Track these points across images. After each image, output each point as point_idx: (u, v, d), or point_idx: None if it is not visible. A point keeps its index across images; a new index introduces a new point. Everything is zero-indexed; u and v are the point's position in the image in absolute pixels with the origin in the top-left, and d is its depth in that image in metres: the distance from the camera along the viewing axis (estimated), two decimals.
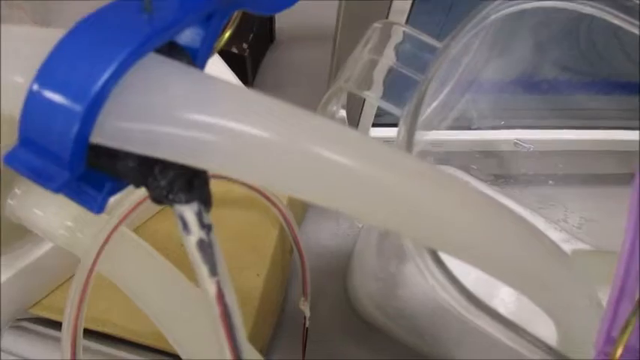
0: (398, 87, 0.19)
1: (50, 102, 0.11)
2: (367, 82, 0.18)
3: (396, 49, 0.19)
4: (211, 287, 0.13)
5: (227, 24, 0.15)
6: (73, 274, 0.30)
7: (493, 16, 0.18)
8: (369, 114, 0.30)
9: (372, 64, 0.18)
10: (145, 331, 0.29)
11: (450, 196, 0.14)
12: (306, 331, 0.36)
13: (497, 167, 0.32)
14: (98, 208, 0.13)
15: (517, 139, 0.29)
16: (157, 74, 0.12)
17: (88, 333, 0.29)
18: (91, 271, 0.21)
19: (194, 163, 0.12)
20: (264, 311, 0.33)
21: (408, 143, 0.16)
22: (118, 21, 0.12)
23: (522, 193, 0.32)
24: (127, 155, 0.12)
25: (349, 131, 0.13)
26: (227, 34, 0.16)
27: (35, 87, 0.12)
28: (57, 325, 0.30)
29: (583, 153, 0.30)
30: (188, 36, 0.14)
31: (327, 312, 0.40)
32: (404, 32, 0.19)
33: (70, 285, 0.21)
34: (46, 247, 0.26)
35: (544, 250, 0.17)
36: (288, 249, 0.37)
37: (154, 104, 0.12)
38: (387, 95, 0.18)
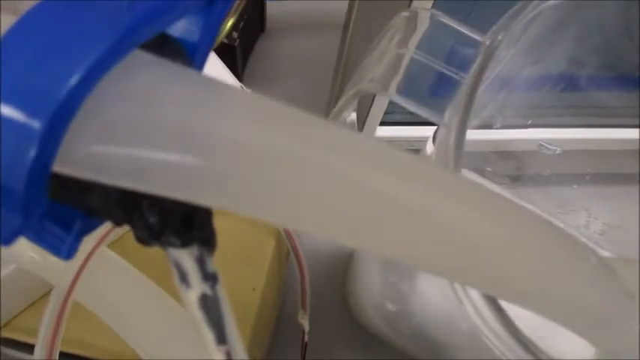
0: (429, 86, 0.16)
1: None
2: (397, 83, 0.15)
3: (429, 42, 0.16)
4: (218, 356, 0.10)
5: (229, 10, 0.12)
6: (47, 292, 0.27)
7: (547, 3, 0.15)
8: (377, 112, 0.27)
9: (401, 60, 0.15)
10: (126, 352, 0.26)
11: (514, 231, 0.11)
12: (305, 345, 0.33)
13: (515, 169, 0.29)
14: (66, 252, 0.10)
15: (541, 141, 0.26)
16: (144, 79, 0.09)
17: (62, 356, 0.26)
18: (65, 301, 0.18)
19: (198, 198, 0.09)
20: (260, 328, 0.30)
21: (456, 157, 0.13)
22: (90, 5, 0.09)
23: (540, 196, 0.29)
24: (105, 186, 0.09)
25: (393, 150, 0.10)
26: (229, 23, 0.13)
27: None
28: (29, 347, 0.27)
29: (609, 153, 0.28)
30: (183, 26, 0.11)
31: (326, 321, 0.37)
32: (438, 22, 0.16)
33: (42, 318, 0.18)
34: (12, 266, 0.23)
35: (599, 277, 0.15)
36: (284, 255, 0.34)
37: (141, 120, 0.09)
38: (417, 95, 0.15)
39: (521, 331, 0.14)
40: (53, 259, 0.20)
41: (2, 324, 0.27)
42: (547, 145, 0.27)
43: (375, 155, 0.10)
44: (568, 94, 0.25)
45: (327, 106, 0.35)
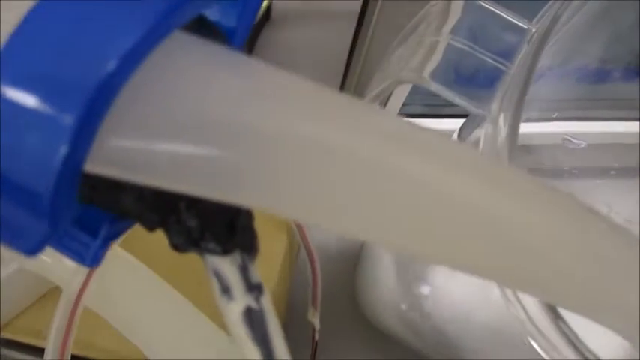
0: (468, 74, 0.15)
1: (20, 108, 0.07)
2: (438, 72, 0.14)
3: (469, 28, 0.15)
4: None
5: None
6: (47, 291, 0.26)
7: None
8: (395, 104, 0.26)
9: (438, 47, 0.14)
10: (135, 354, 0.25)
11: (568, 226, 0.10)
12: (316, 344, 0.32)
13: (535, 164, 0.28)
14: (92, 259, 0.09)
15: (566, 135, 0.26)
16: (187, 64, 0.08)
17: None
18: (76, 304, 0.17)
19: (245, 199, 0.08)
20: None
21: (510, 154, 0.12)
22: None
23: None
24: (138, 186, 0.08)
25: (466, 148, 0.09)
26: (265, 4, 0.12)
27: None
28: (29, 348, 0.26)
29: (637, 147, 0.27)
30: (219, 9, 0.10)
31: (335, 319, 0.36)
32: (479, 7, 0.15)
33: (51, 326, 0.17)
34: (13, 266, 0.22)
35: None
36: (295, 250, 0.33)
37: (186, 111, 0.07)
38: (457, 85, 0.14)
39: (575, 331, 0.13)
40: (62, 260, 0.19)
41: (2, 324, 0.26)
42: (571, 139, 0.26)
43: (440, 151, 0.09)
44: (598, 86, 0.24)
45: None
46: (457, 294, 0.29)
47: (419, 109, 0.27)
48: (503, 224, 0.09)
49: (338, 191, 0.08)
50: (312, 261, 0.30)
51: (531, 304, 0.12)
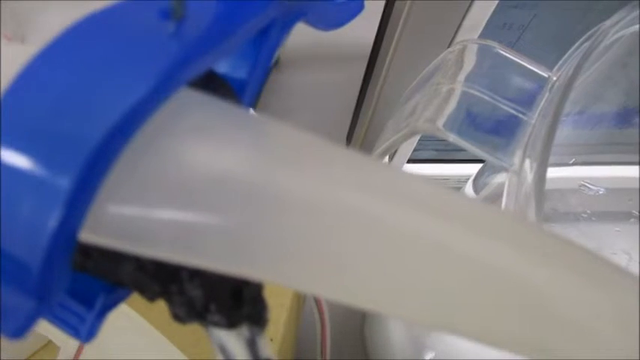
0: (487, 124, 0.14)
1: (12, 170, 0.07)
2: (455, 122, 0.13)
3: (485, 76, 0.14)
4: None
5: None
6: (44, 344, 0.25)
7: (617, 35, 0.13)
8: (406, 149, 0.25)
9: (454, 96, 0.14)
10: None
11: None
12: None
13: (551, 210, 0.27)
14: (87, 333, 0.08)
15: (583, 181, 0.25)
16: (197, 124, 0.07)
17: None
18: None
19: (259, 272, 0.07)
20: None
21: (538, 203, 0.11)
22: (129, 33, 0.07)
23: (578, 239, 0.27)
24: (138, 255, 0.08)
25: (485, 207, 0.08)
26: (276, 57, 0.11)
27: None
28: None
29: None
30: (229, 60, 0.09)
31: None
32: (496, 54, 0.14)
33: None
34: None
35: None
36: (302, 299, 0.32)
37: (198, 175, 0.07)
38: (476, 136, 0.14)
39: None
40: None
41: None
42: (589, 186, 0.25)
43: (471, 217, 0.08)
44: (618, 130, 0.24)
45: (346, 142, 0.33)
46: (468, 344, 0.27)
47: (429, 154, 0.27)
48: (544, 297, 0.08)
49: (365, 263, 0.07)
50: (321, 313, 0.29)
51: None
